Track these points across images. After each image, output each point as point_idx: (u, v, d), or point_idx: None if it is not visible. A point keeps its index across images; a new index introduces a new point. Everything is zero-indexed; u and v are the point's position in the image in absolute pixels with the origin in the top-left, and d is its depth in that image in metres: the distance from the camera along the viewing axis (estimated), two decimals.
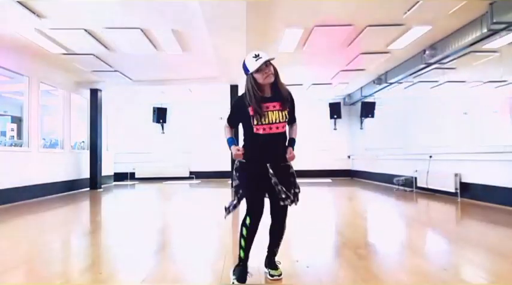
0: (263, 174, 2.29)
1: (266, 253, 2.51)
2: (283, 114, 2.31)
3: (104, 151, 9.88)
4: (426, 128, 10.31)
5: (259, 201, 2.30)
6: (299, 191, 2.42)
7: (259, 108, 2.25)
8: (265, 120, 2.27)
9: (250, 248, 2.33)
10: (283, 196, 2.28)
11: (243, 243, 2.31)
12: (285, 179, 2.33)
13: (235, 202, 2.40)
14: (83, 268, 2.77)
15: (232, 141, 2.41)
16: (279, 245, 2.48)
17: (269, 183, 2.29)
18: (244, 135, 2.41)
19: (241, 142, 2.44)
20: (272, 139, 2.31)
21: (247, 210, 2.31)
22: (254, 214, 2.28)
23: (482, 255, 3.09)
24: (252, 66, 2.21)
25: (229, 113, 2.48)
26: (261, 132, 2.28)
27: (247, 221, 2.29)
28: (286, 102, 2.32)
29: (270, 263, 2.46)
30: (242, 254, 2.33)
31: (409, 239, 3.74)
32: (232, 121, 2.46)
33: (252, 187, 2.30)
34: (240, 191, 2.38)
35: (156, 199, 8.03)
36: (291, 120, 2.43)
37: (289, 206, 2.35)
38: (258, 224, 2.30)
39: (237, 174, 2.39)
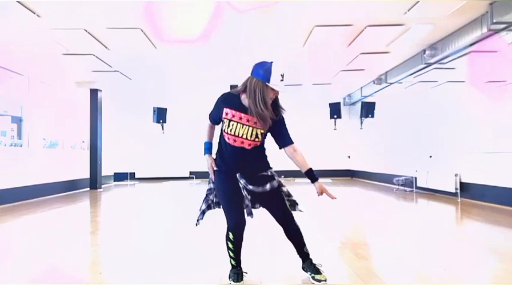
0: (236, 184, 2.20)
1: (300, 258, 2.38)
2: (255, 132, 2.12)
3: (104, 151, 9.88)
4: (426, 128, 10.30)
5: (238, 215, 2.19)
6: (293, 197, 2.37)
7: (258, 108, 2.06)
8: (231, 130, 2.13)
9: (239, 256, 2.30)
10: (249, 203, 2.22)
11: (231, 254, 2.28)
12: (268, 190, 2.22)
13: (203, 208, 2.39)
14: (83, 268, 2.77)
15: (209, 147, 2.31)
16: (304, 245, 2.34)
17: (253, 193, 2.21)
18: (219, 137, 2.28)
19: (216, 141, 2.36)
20: (238, 152, 2.17)
21: (227, 225, 2.22)
22: (235, 229, 2.20)
23: (482, 255, 3.09)
24: (272, 82, 2.04)
25: (213, 107, 2.26)
26: (226, 139, 2.18)
27: (231, 236, 2.20)
28: (265, 122, 2.08)
29: (310, 266, 2.32)
30: (234, 262, 2.30)
31: (409, 239, 3.74)
32: (213, 115, 2.26)
33: (229, 199, 2.21)
34: (210, 196, 2.37)
35: (156, 199, 8.02)
36: (285, 142, 2.20)
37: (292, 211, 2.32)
38: (242, 236, 2.23)
39: (214, 180, 2.31)
